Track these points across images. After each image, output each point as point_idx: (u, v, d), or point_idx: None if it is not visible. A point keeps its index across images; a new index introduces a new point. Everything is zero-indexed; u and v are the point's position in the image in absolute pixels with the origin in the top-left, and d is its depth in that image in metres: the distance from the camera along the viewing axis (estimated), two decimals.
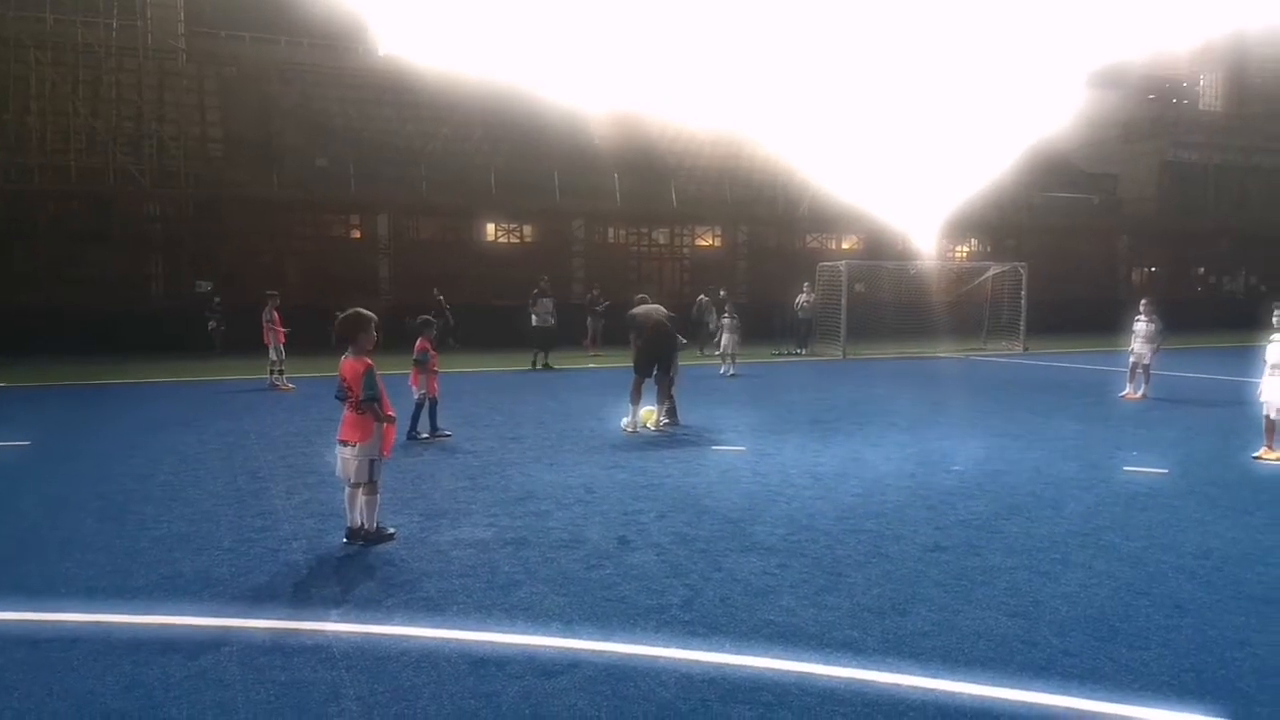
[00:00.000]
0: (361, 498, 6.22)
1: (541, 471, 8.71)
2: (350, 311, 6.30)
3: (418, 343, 10.47)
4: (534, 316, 19.81)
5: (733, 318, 18.76)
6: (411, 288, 27.25)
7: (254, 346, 17.07)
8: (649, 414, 11.19)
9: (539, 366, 19.27)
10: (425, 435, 10.36)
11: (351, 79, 30.87)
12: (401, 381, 10.24)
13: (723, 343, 18.64)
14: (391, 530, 6.41)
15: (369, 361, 6.14)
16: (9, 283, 21.97)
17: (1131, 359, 14.36)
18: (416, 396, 10.42)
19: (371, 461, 6.14)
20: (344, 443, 6.15)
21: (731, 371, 18.15)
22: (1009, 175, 36.14)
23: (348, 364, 6.18)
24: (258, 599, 5.13)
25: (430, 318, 11.04)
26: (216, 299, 22.37)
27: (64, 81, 24.57)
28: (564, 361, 20.35)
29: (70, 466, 8.92)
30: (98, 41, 25.30)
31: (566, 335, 23.33)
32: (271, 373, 15.64)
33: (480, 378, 17.62)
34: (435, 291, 23.48)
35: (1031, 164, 38.65)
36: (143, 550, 6.08)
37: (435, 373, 10.57)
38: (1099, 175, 41.11)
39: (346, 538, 6.26)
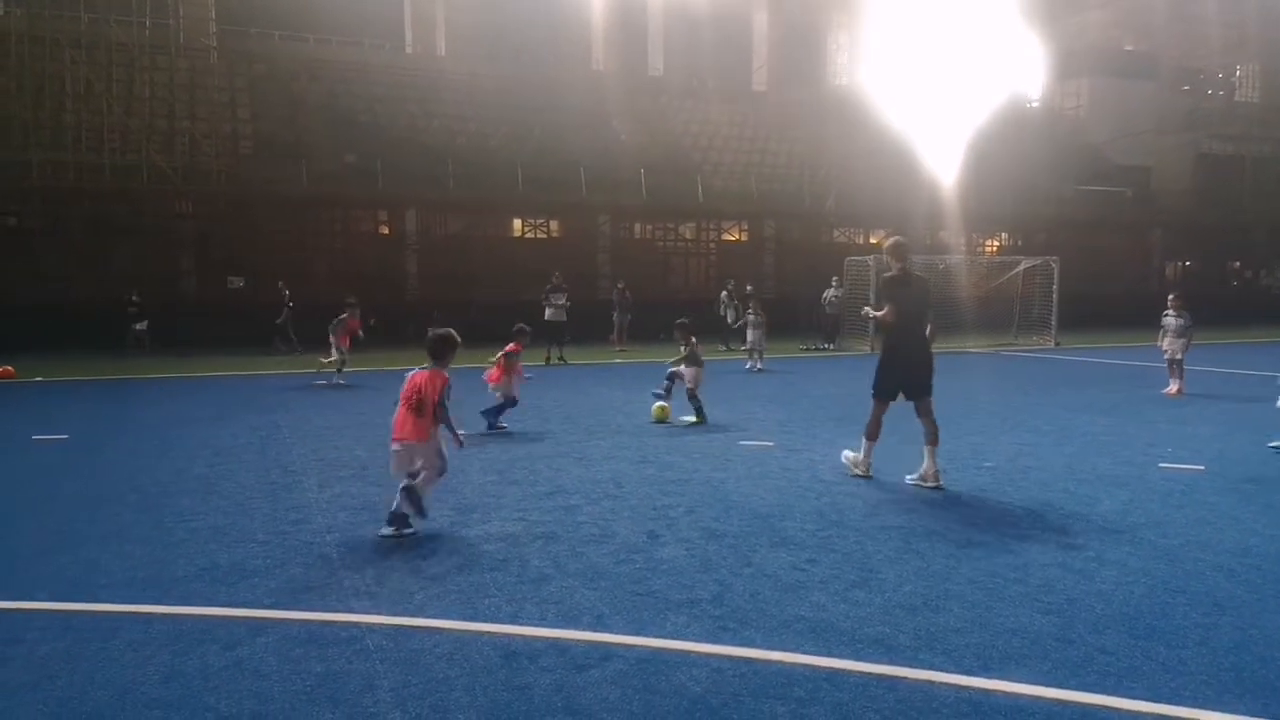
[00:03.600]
0: (409, 484, 6.35)
1: (570, 466, 8.74)
2: (445, 331, 6.76)
3: (510, 345, 10.92)
4: (547, 310, 19.95)
5: (757, 314, 18.62)
6: (439, 283, 27.45)
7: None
8: (661, 409, 11.29)
9: (554, 361, 19.32)
10: (504, 427, 10.67)
11: (379, 76, 31.07)
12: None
13: (749, 339, 18.57)
14: (413, 530, 6.42)
15: (447, 376, 6.53)
16: (45, 279, 22.35)
17: (1165, 355, 14.16)
18: (497, 395, 10.79)
19: (433, 459, 6.43)
20: (401, 441, 6.37)
21: (758, 367, 18.10)
22: (1040, 168, 35.76)
23: (425, 375, 6.47)
24: (292, 591, 5.19)
25: (525, 326, 11.48)
26: (135, 298, 21.88)
27: (98, 80, 24.94)
28: (591, 357, 20.40)
29: (107, 459, 9.07)
30: (131, 41, 25.65)
31: (593, 331, 23.39)
32: (329, 368, 15.63)
33: None
34: (280, 285, 22.45)
35: (1063, 156, 38.23)
36: (180, 542, 6.17)
37: (521, 376, 10.99)
38: (1132, 168, 40.53)
39: (390, 524, 6.36)
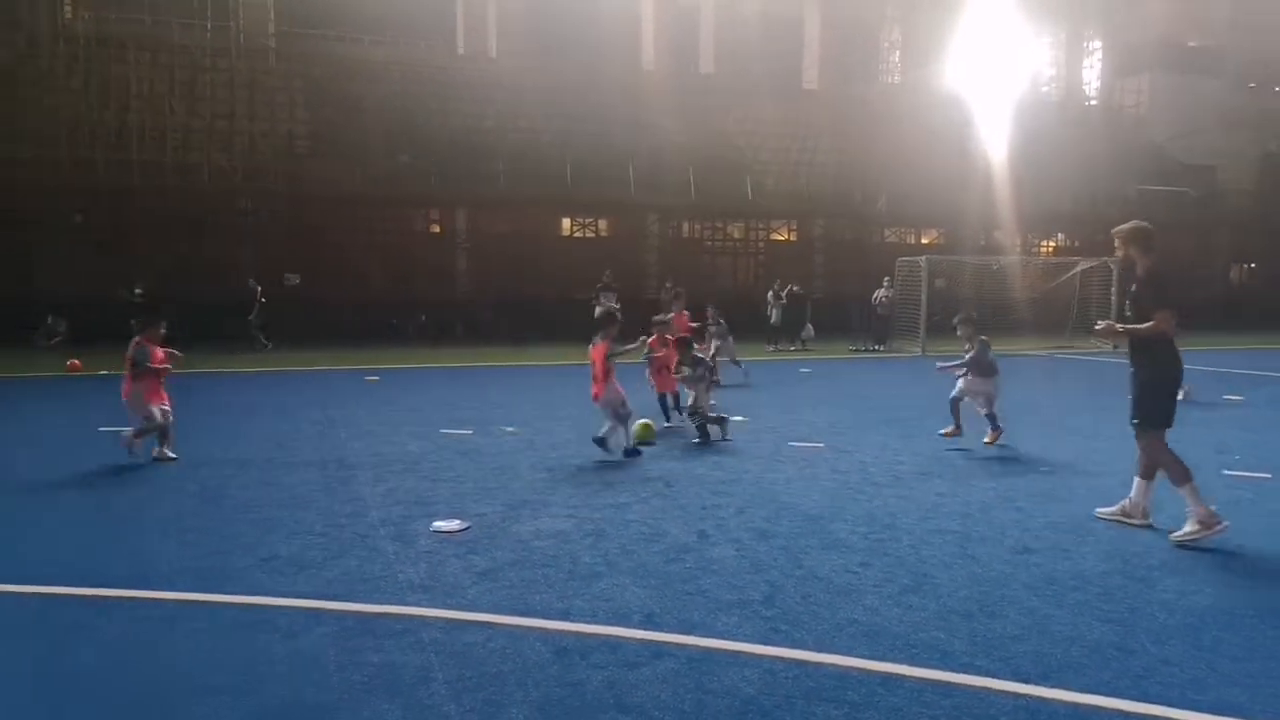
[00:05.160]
0: (615, 427, 8.94)
1: (619, 464, 8.77)
2: (609, 309, 9.47)
3: (649, 339, 10.91)
4: (598, 309, 20.03)
5: (718, 324, 15.99)
6: (488, 280, 27.75)
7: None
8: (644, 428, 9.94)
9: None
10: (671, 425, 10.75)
11: (432, 77, 31.44)
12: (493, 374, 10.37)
13: (710, 349, 15.57)
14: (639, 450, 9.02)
15: (607, 343, 9.12)
16: (110, 275, 22.99)
17: None
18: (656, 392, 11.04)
19: (616, 406, 8.95)
20: (597, 398, 9.05)
21: (718, 380, 15.07)
22: (1100, 167, 34.99)
23: (596, 348, 9.06)
24: (349, 583, 5.28)
25: (664, 318, 11.62)
26: (138, 290, 22.08)
27: (161, 82, 25.62)
28: (637, 355, 20.38)
29: (175, 447, 9.28)
30: (193, 43, 26.31)
31: (641, 329, 23.42)
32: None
33: (555, 371, 17.77)
34: (251, 281, 22.31)
35: (1124, 155, 37.35)
36: (240, 533, 6.32)
37: (667, 371, 10.86)
38: (1196, 167, 39.43)
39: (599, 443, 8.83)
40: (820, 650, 4.32)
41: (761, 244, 33.41)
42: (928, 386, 15.48)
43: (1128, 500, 6.59)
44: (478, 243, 28.68)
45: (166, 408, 8.81)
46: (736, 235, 33.21)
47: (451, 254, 28.62)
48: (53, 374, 16.46)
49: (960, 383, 9.81)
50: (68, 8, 26.80)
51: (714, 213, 31.83)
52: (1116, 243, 6.60)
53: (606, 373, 8.98)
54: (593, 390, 9.11)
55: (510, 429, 10.60)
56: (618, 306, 20.15)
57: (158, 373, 8.80)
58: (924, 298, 23.38)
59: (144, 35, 25.93)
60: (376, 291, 26.46)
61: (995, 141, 32.64)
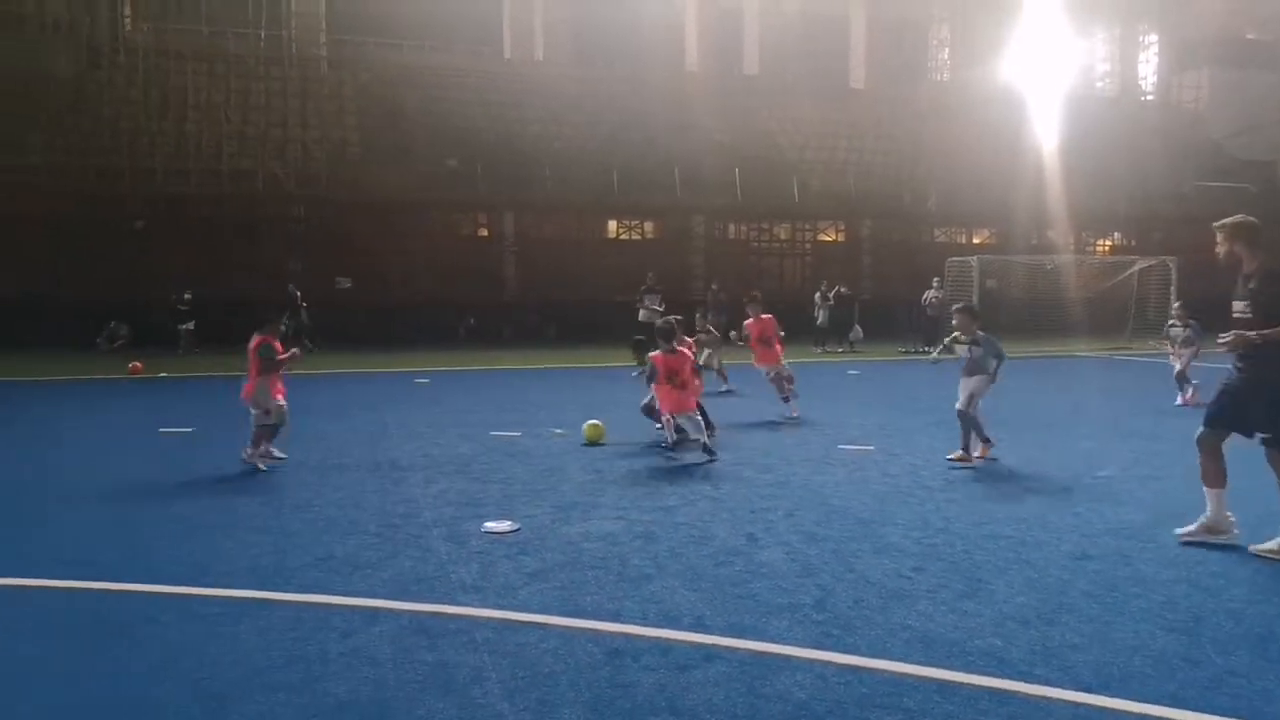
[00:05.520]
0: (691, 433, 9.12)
1: (665, 467, 8.77)
2: (664, 323, 9.66)
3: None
4: (641, 311, 20.11)
5: (709, 332, 14.51)
6: (535, 283, 27.94)
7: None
8: (593, 429, 10.01)
9: (646, 361, 19.37)
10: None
11: (479, 81, 31.77)
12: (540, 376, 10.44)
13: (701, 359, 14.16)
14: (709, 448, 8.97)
15: (686, 352, 9.44)
16: (168, 281, 23.53)
17: (1175, 368, 13.21)
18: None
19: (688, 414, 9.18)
20: (667, 413, 9.29)
21: (724, 387, 14.55)
22: (1156, 164, 34.18)
23: (668, 357, 9.22)
24: (403, 583, 5.35)
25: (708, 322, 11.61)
26: (186, 296, 22.52)
27: (217, 91, 26.23)
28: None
29: (230, 451, 9.47)
30: (247, 53, 26.90)
31: (687, 332, 23.38)
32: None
33: (601, 373, 17.84)
34: (290, 286, 22.53)
35: (1181, 152, 36.44)
36: (297, 532, 6.44)
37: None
38: (1255, 163, 38.28)
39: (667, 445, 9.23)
40: (873, 656, 4.28)
41: (808, 245, 33.18)
42: None
43: None
44: (524, 246, 28.90)
45: (284, 404, 8.85)
46: (783, 236, 33.02)
47: (499, 257, 28.88)
48: (115, 376, 16.92)
49: (963, 387, 8.79)
50: (128, 21, 27.57)
51: (759, 214, 31.70)
52: (1219, 238, 6.02)
53: (686, 381, 9.20)
54: (675, 400, 9.19)
55: (558, 431, 10.65)
56: (661, 308, 20.22)
57: (279, 368, 8.83)
58: (975, 298, 23.01)
59: (200, 46, 26.58)
60: (425, 295, 26.78)
61: (1048, 139, 32.03)
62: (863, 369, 18.10)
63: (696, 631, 4.58)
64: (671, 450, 9.33)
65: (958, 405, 8.82)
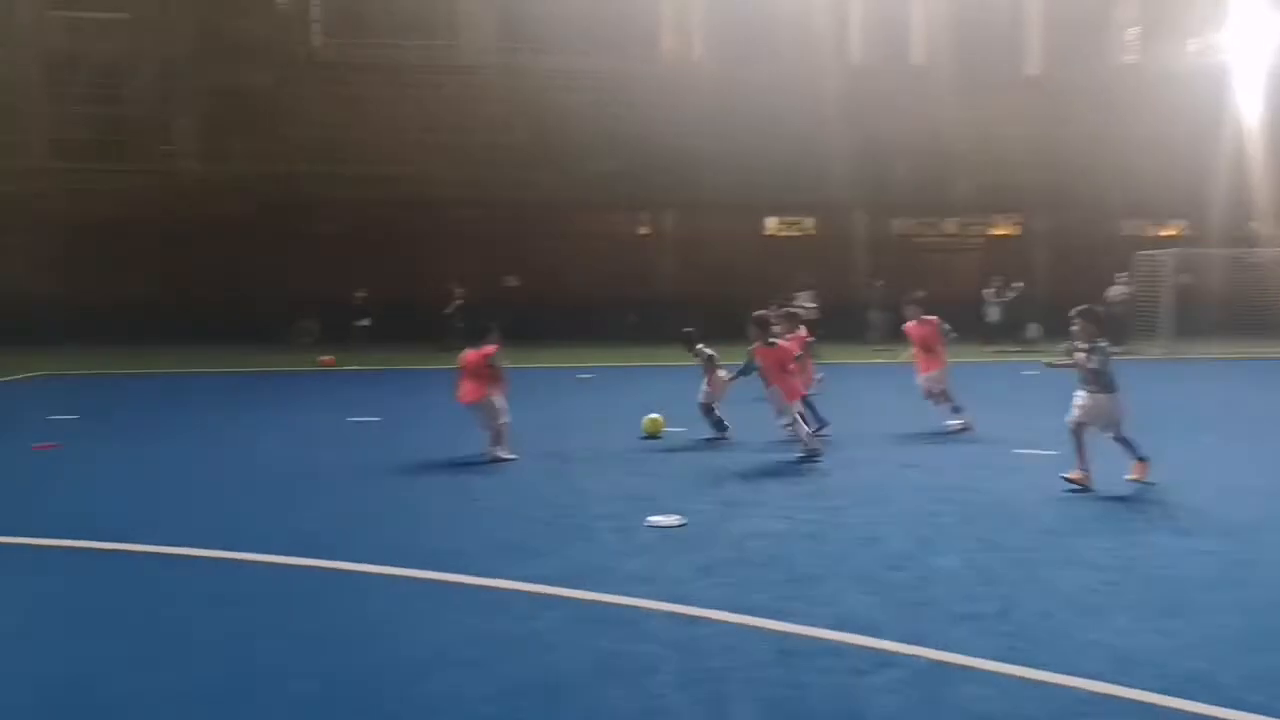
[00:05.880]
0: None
1: (831, 467, 8.60)
2: (758, 314, 9.54)
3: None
4: (799, 310, 19.82)
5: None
6: (695, 282, 28.06)
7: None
8: (652, 423, 10.18)
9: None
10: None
11: (638, 82, 32.14)
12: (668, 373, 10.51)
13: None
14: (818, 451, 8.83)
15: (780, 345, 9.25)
16: (353, 280, 25.11)
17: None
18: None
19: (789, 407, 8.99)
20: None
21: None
22: None
23: (766, 350, 9.10)
24: (574, 572, 5.49)
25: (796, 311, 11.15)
26: (361, 294, 23.69)
27: (397, 100, 27.76)
28: (846, 356, 19.95)
29: (412, 441, 10.04)
30: (424, 63, 28.32)
31: (846, 330, 22.89)
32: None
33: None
34: (358, 293, 23.58)
35: None
36: (473, 519, 6.75)
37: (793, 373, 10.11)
38: None
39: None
40: (1064, 672, 4.03)
41: (978, 240, 31.77)
42: (1170, 390, 14.11)
43: None
44: (684, 244, 29.10)
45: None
46: (951, 231, 31.77)
47: (660, 256, 29.20)
48: (306, 369, 18.21)
49: (1077, 402, 7.73)
50: (318, 37, 29.57)
51: (926, 208, 30.64)
52: None
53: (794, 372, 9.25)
54: (793, 385, 9.16)
55: (727, 425, 10.60)
56: (815, 305, 19.88)
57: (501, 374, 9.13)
58: (1168, 295, 21.35)
59: (382, 58, 28.16)
60: (587, 292, 27.39)
61: (1250, 120, 29.30)
62: (1040, 369, 17.12)
63: (870, 636, 4.46)
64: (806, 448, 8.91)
65: (1070, 419, 7.68)
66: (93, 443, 10.30)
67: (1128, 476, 7.51)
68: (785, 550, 5.92)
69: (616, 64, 32.72)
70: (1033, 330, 22.61)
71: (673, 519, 6.58)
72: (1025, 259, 30.21)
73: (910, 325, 11.05)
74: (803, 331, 10.67)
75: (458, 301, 22.95)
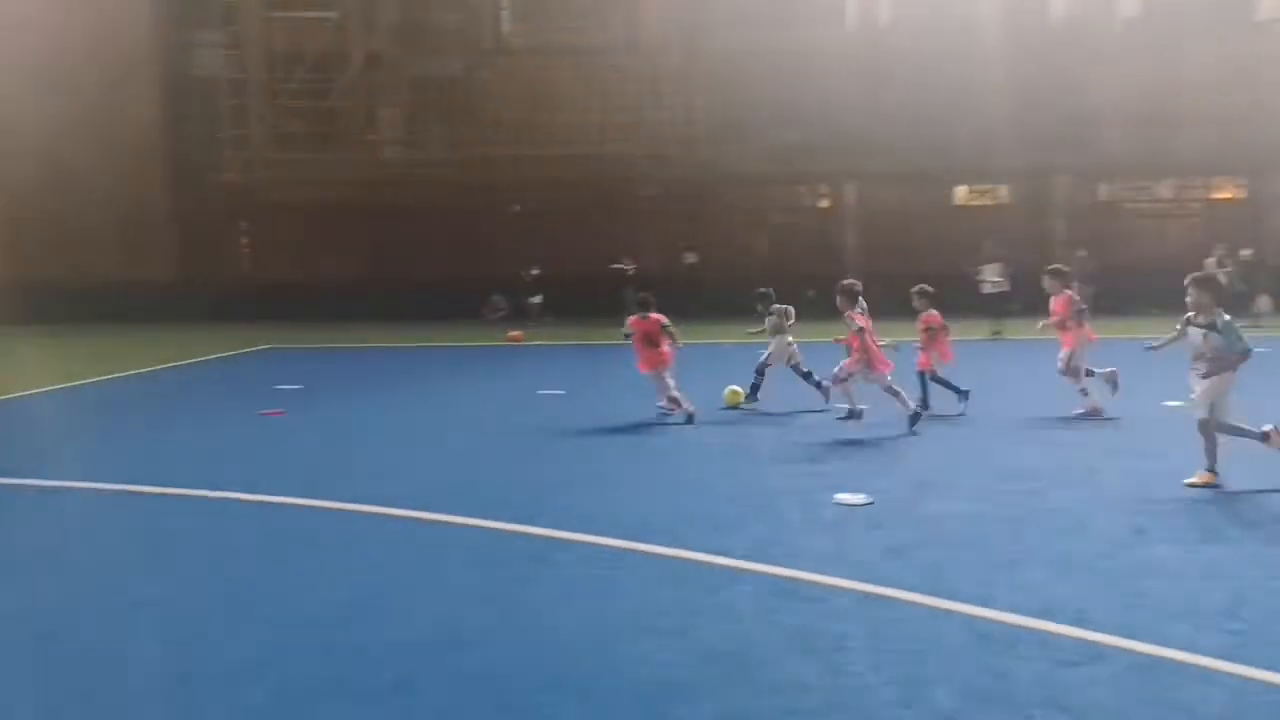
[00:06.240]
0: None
1: (1028, 448, 8.15)
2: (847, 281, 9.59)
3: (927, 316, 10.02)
4: (985, 284, 18.90)
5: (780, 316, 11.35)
6: (877, 255, 27.23)
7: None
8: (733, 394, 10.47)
9: (993, 334, 18.25)
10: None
11: (822, 53, 31.32)
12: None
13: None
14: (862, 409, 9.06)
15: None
16: (537, 259, 26.02)
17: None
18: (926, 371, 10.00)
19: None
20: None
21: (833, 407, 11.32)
22: None
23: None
24: (760, 546, 5.50)
25: (927, 288, 10.34)
26: (535, 271, 24.42)
27: (581, 81, 28.41)
28: (1040, 332, 18.79)
29: (596, 413, 10.33)
30: (606, 44, 28.79)
31: (1040, 305, 21.55)
32: None
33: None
34: (527, 273, 24.16)
35: None
36: (660, 491, 6.89)
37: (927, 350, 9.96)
38: None
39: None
40: None
41: (1197, 204, 29.00)
42: None
43: None
44: (866, 216, 28.29)
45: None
46: (1166, 195, 29.17)
47: (840, 228, 28.53)
48: (496, 344, 19.10)
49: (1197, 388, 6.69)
50: (507, 24, 30.66)
51: (1138, 171, 28.25)
52: None
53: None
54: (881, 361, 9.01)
55: (911, 404, 10.26)
56: (1002, 279, 18.81)
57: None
58: None
59: (567, 42, 28.87)
60: (765, 267, 27.14)
61: None
62: (1273, 345, 15.48)
63: (1079, 626, 4.22)
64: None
65: (1198, 414, 6.73)
66: (311, 410, 11.28)
67: (1192, 480, 6.62)
68: (981, 533, 5.69)
69: (801, 36, 32.02)
70: (1263, 303, 20.45)
71: (860, 497, 6.45)
72: (1252, 225, 27.32)
73: (1056, 300, 10.13)
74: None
75: (628, 270, 23.43)
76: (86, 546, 6.01)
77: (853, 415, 9.20)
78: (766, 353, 10.68)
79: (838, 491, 6.60)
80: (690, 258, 26.85)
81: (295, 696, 3.74)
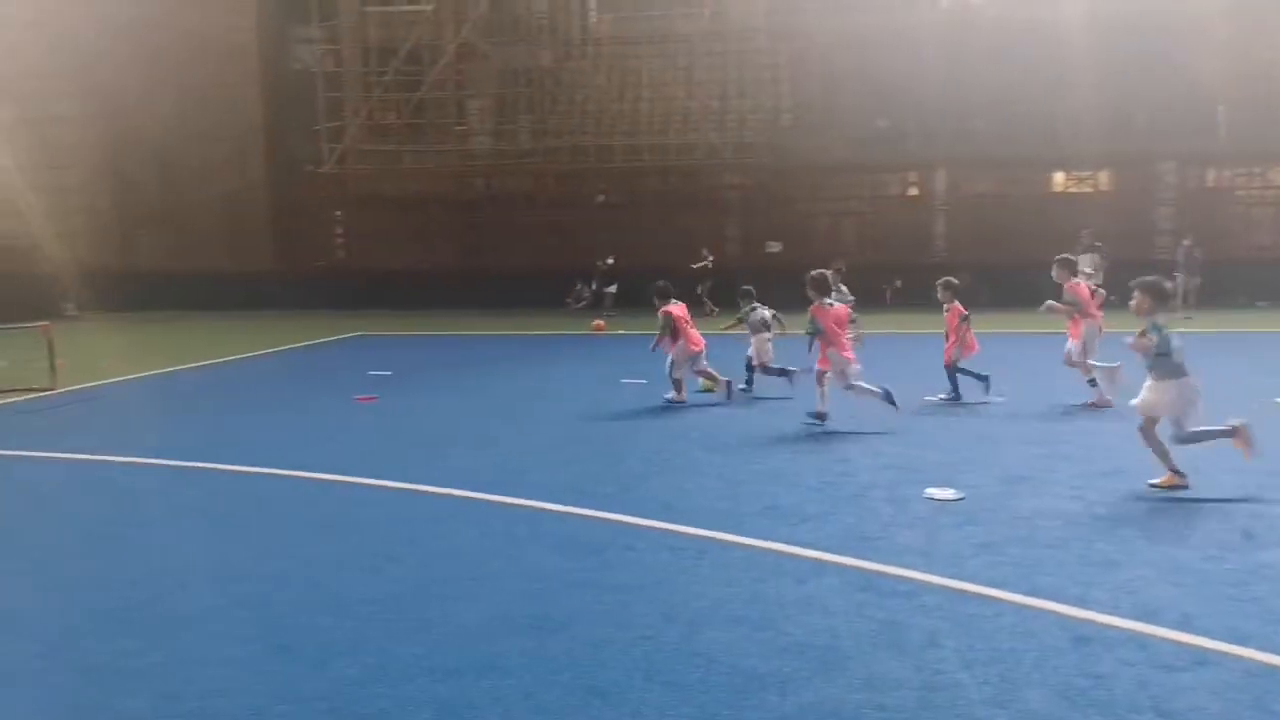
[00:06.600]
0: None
1: (1131, 445, 7.81)
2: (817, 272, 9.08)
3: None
4: (1080, 275, 18.18)
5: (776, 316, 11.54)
6: (967, 244, 26.53)
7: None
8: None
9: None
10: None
11: (912, 37, 30.58)
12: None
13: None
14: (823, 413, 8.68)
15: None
16: (623, 247, 26.14)
17: None
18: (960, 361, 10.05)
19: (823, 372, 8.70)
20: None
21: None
22: None
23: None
24: (847, 538, 5.45)
25: (953, 280, 10.53)
26: (610, 261, 24.67)
27: (666, 70, 28.36)
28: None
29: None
30: (693, 31, 28.66)
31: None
32: None
33: (1035, 339, 16.39)
34: (704, 251, 23.89)
35: None
36: (743, 481, 6.87)
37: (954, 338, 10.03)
38: None
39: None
40: None
41: None
42: None
43: None
44: (956, 204, 27.55)
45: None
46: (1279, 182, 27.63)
47: (929, 216, 27.86)
48: (581, 333, 19.28)
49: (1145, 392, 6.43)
50: (594, 14, 30.80)
51: (1250, 156, 26.79)
52: None
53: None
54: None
55: (997, 398, 10.03)
56: (1093, 271, 18.09)
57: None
58: None
59: (653, 30, 28.83)
60: (851, 257, 26.72)
61: None
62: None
63: (1182, 631, 4.07)
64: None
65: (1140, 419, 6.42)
66: (404, 396, 11.60)
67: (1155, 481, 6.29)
68: (1077, 532, 5.52)
69: (889, 20, 31.32)
70: None
71: (950, 492, 6.34)
72: None
73: (1074, 283, 9.97)
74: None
75: (708, 264, 23.37)
76: (201, 521, 6.32)
77: (819, 416, 8.76)
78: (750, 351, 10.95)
79: (928, 485, 6.49)
80: (773, 246, 26.62)
81: (387, 672, 3.87)
